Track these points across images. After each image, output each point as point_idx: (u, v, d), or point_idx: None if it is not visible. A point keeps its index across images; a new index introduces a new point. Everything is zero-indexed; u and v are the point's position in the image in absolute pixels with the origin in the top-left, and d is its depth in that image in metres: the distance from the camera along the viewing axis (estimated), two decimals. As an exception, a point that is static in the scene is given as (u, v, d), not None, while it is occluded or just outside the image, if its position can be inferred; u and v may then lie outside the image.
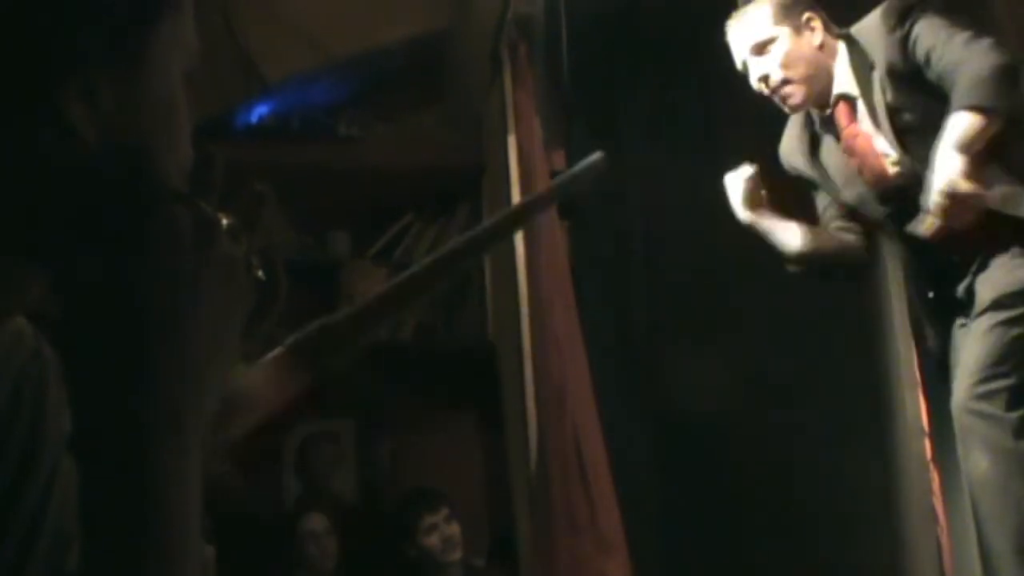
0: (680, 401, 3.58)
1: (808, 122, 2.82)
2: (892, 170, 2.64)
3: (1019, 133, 2.54)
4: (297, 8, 3.82)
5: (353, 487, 4.02)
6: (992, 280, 2.56)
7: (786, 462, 3.49)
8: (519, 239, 3.69)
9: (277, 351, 0.93)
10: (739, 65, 2.79)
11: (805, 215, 2.90)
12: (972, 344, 2.55)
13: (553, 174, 3.60)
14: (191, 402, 0.69)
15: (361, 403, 3.95)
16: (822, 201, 2.88)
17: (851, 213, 2.82)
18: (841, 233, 2.83)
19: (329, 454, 3.99)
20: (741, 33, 2.77)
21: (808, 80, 2.71)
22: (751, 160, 2.82)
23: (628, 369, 3.73)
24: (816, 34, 2.73)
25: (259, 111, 3.94)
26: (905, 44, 2.57)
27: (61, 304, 0.70)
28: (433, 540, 3.54)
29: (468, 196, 4.13)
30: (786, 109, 2.77)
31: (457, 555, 3.58)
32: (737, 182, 2.80)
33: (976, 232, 2.53)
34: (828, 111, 2.74)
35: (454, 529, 3.57)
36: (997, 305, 2.53)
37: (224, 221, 0.73)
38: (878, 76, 2.62)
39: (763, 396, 3.53)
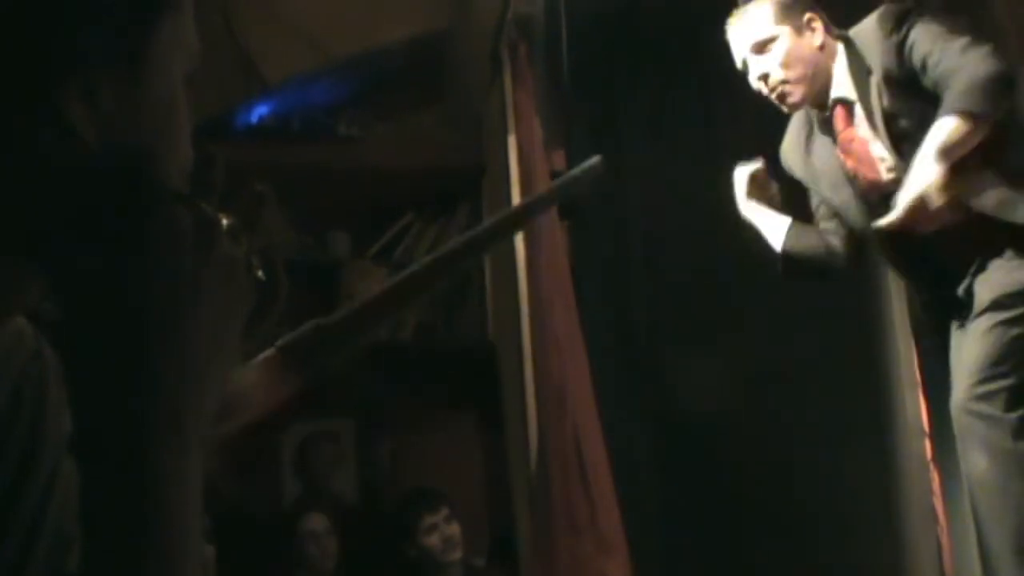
0: (680, 401, 3.58)
1: (807, 121, 2.82)
2: (887, 176, 2.64)
3: (1014, 138, 2.55)
4: (297, 8, 3.82)
5: (353, 487, 4.02)
6: (991, 281, 2.56)
7: (786, 462, 3.49)
8: (519, 239, 3.69)
9: (269, 352, 0.93)
10: (739, 64, 2.79)
11: (804, 215, 2.90)
12: (971, 345, 2.56)
13: (553, 174, 3.60)
14: (191, 402, 0.69)
15: (361, 403, 3.95)
16: (814, 200, 2.89)
17: (836, 215, 2.82)
18: (828, 235, 2.84)
19: (329, 454, 3.99)
20: (742, 32, 2.77)
21: (807, 80, 2.71)
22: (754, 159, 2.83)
23: (628, 369, 3.73)
24: (816, 34, 2.73)
25: (259, 111, 3.94)
26: (901, 50, 2.57)
27: (61, 304, 0.70)
28: (433, 540, 3.54)
29: (468, 196, 4.13)
30: (784, 108, 2.77)
31: (457, 555, 3.58)
32: (744, 176, 2.83)
33: (973, 235, 2.53)
34: (827, 113, 2.74)
35: (454, 529, 3.57)
36: (996, 306, 2.53)
37: (224, 221, 0.73)
38: (875, 81, 2.62)
39: (763, 396, 3.53)
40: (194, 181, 0.78)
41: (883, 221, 2.53)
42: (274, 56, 3.88)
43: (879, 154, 2.65)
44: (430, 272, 1.02)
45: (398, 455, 4.03)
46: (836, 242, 2.83)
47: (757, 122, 2.96)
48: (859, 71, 2.66)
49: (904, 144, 2.58)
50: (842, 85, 2.70)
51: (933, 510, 3.35)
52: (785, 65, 2.71)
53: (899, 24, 2.59)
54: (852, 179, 2.72)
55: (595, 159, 1.14)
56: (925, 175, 2.44)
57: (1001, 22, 3.11)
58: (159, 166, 0.76)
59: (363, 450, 4.03)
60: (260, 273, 0.79)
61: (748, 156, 2.86)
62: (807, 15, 2.74)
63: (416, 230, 4.15)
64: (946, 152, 2.44)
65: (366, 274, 3.97)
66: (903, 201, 2.47)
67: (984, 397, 2.47)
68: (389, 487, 3.97)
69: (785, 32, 2.72)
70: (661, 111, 3.84)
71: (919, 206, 2.45)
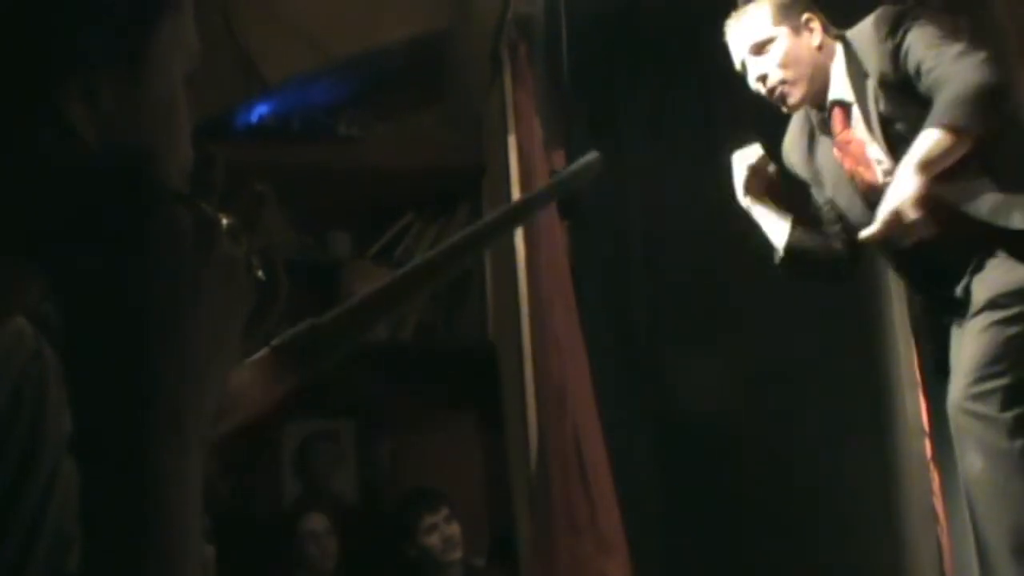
0: (680, 401, 3.58)
1: (807, 122, 2.82)
2: (884, 178, 2.64)
3: (1009, 143, 2.55)
4: (297, 8, 3.83)
5: (353, 487, 4.02)
6: (988, 280, 2.56)
7: (786, 462, 3.49)
8: (519, 239, 3.69)
9: (263, 351, 0.92)
10: (738, 65, 2.79)
11: (804, 215, 2.90)
12: (968, 344, 2.55)
13: (553, 174, 3.59)
14: (191, 402, 0.69)
15: (361, 403, 3.96)
16: (818, 201, 2.88)
17: (840, 216, 2.82)
18: (829, 237, 2.83)
19: (329, 454, 3.99)
20: (740, 33, 2.77)
21: (806, 80, 2.71)
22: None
23: (628, 369, 3.73)
24: (815, 35, 2.73)
25: (259, 111, 3.94)
26: (896, 55, 2.57)
27: (61, 304, 0.70)
28: (433, 540, 3.54)
29: (468, 196, 4.13)
30: (784, 108, 2.77)
31: (457, 555, 3.58)
32: (744, 161, 2.80)
33: (970, 236, 2.53)
34: (825, 113, 2.74)
35: (454, 529, 3.57)
36: (993, 305, 2.53)
37: (224, 221, 0.73)
38: (871, 85, 2.62)
39: (763, 396, 3.53)
40: (194, 181, 0.78)
41: (864, 233, 2.56)
42: (274, 56, 3.88)
43: (876, 156, 2.65)
44: (426, 270, 1.02)
45: (398, 455, 4.03)
46: (838, 245, 2.83)
47: (757, 122, 2.96)
48: (856, 73, 2.66)
49: (900, 147, 2.57)
50: (840, 87, 2.70)
51: (933, 510, 3.35)
52: (783, 65, 2.70)
53: (894, 28, 2.58)
54: (851, 180, 2.72)
55: (593, 154, 1.14)
56: (903, 189, 2.45)
57: (1001, 22, 3.11)
58: (159, 166, 0.76)
59: (363, 450, 4.03)
60: (260, 273, 0.79)
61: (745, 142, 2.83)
62: (805, 15, 2.74)
63: (416, 230, 4.15)
64: (926, 166, 2.44)
65: (366, 274, 3.97)
66: (880, 214, 2.49)
67: (980, 396, 2.47)
68: (389, 487, 3.97)
69: (783, 33, 2.72)
70: (661, 111, 3.84)
71: (894, 220, 2.46)
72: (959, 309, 2.63)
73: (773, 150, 2.89)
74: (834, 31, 2.75)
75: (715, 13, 2.88)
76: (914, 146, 2.46)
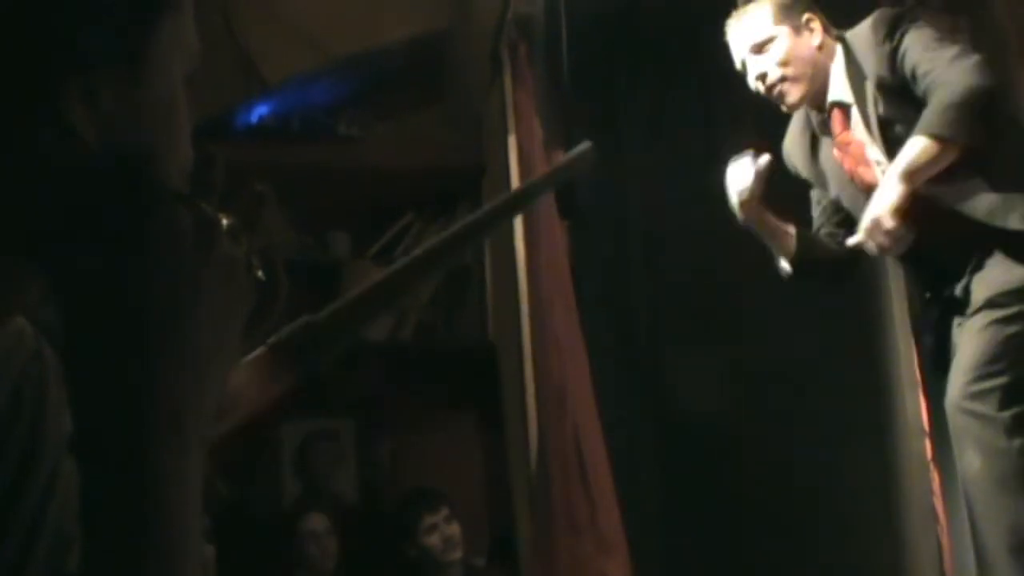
0: (680, 401, 3.58)
1: (807, 123, 2.82)
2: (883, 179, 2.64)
3: (1008, 143, 2.54)
4: (297, 8, 3.83)
5: (353, 487, 4.02)
6: (987, 279, 2.56)
7: (786, 462, 3.49)
8: (519, 239, 3.69)
9: (259, 350, 0.92)
10: (738, 64, 2.79)
11: (804, 215, 2.90)
12: (966, 343, 2.56)
13: (552, 173, 3.59)
14: (191, 402, 0.69)
15: (361, 403, 3.95)
16: (817, 203, 2.88)
17: (844, 218, 2.82)
18: (830, 240, 2.83)
19: (329, 454, 3.99)
20: (741, 32, 2.77)
21: (805, 79, 2.70)
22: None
23: (628, 369, 3.73)
24: (815, 35, 2.73)
25: (259, 111, 3.94)
26: (894, 58, 2.57)
27: (61, 304, 0.70)
28: (433, 540, 3.55)
29: (468, 196, 4.13)
30: (783, 107, 2.77)
31: (457, 555, 3.58)
32: (744, 173, 2.71)
33: (970, 236, 2.53)
34: (825, 115, 2.74)
35: (454, 529, 3.57)
36: (991, 304, 2.53)
37: (224, 221, 0.73)
38: (870, 87, 2.62)
39: (763, 396, 3.53)
40: (194, 181, 0.78)
41: (850, 241, 2.58)
42: (274, 56, 3.88)
43: (875, 157, 2.65)
44: (420, 264, 1.02)
45: (398, 455, 4.03)
46: (839, 248, 2.82)
47: (757, 122, 2.96)
48: (856, 75, 2.66)
49: (899, 149, 2.57)
50: (839, 88, 2.70)
51: (933, 510, 3.35)
52: (783, 64, 2.70)
53: (892, 31, 2.58)
54: (852, 180, 2.72)
55: (586, 144, 1.14)
56: (885, 197, 2.46)
57: (1001, 22, 3.11)
58: (159, 166, 0.76)
59: (363, 450, 4.03)
60: (260, 273, 0.78)
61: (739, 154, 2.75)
62: (806, 15, 2.74)
63: (416, 230, 4.15)
64: (910, 175, 2.45)
65: (366, 274, 3.96)
66: (864, 221, 2.50)
67: (978, 396, 2.47)
68: (389, 487, 3.97)
69: (783, 32, 2.72)
70: (661, 111, 3.84)
71: (874, 228, 2.46)
72: (959, 308, 2.63)
73: (772, 150, 2.89)
74: (834, 32, 2.75)
75: (715, 13, 2.88)
76: (900, 155, 2.47)
